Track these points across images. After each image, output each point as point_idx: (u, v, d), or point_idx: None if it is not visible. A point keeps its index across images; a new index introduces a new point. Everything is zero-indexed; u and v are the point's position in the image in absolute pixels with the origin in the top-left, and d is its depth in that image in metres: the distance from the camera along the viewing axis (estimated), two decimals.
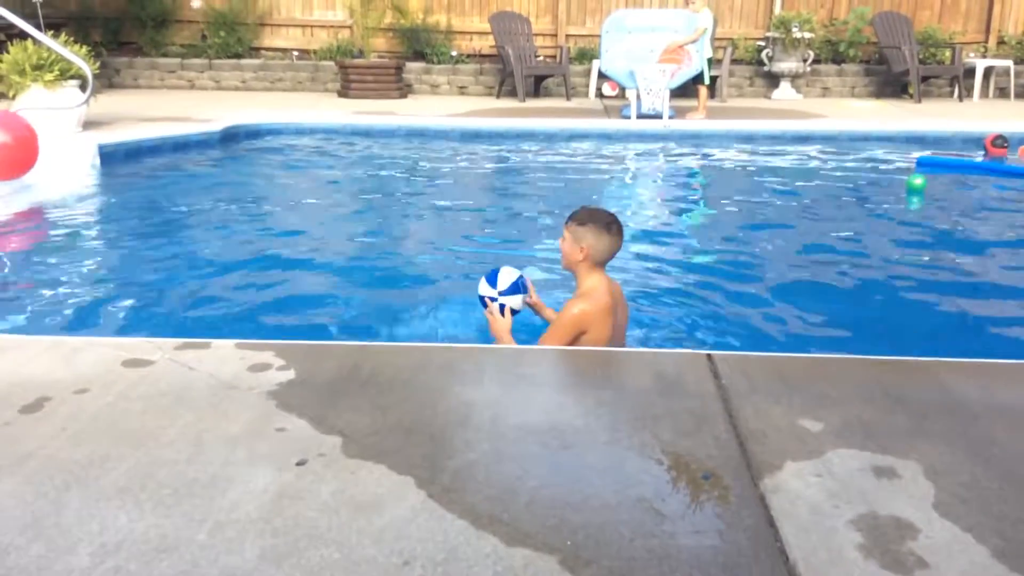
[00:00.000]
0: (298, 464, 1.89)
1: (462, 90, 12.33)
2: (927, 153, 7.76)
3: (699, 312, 3.86)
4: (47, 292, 4.03)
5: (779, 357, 2.66)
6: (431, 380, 2.36)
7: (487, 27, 12.02)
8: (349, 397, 2.23)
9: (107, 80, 11.44)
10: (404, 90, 11.65)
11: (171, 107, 9.62)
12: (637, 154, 8.65)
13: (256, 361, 2.44)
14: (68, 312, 3.76)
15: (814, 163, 8.14)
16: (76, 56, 7.14)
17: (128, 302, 3.92)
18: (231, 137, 8.40)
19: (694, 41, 9.48)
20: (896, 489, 1.83)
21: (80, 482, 1.81)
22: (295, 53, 12.56)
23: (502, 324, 2.92)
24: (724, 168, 8.14)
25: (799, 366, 2.55)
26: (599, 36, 10.12)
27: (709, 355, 2.55)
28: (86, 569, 1.53)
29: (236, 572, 1.54)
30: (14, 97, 7.50)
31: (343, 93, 11.43)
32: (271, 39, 12.64)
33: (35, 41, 7.31)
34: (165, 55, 12.23)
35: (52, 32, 7.88)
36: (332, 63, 12.03)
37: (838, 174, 7.65)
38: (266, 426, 2.07)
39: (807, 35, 11.69)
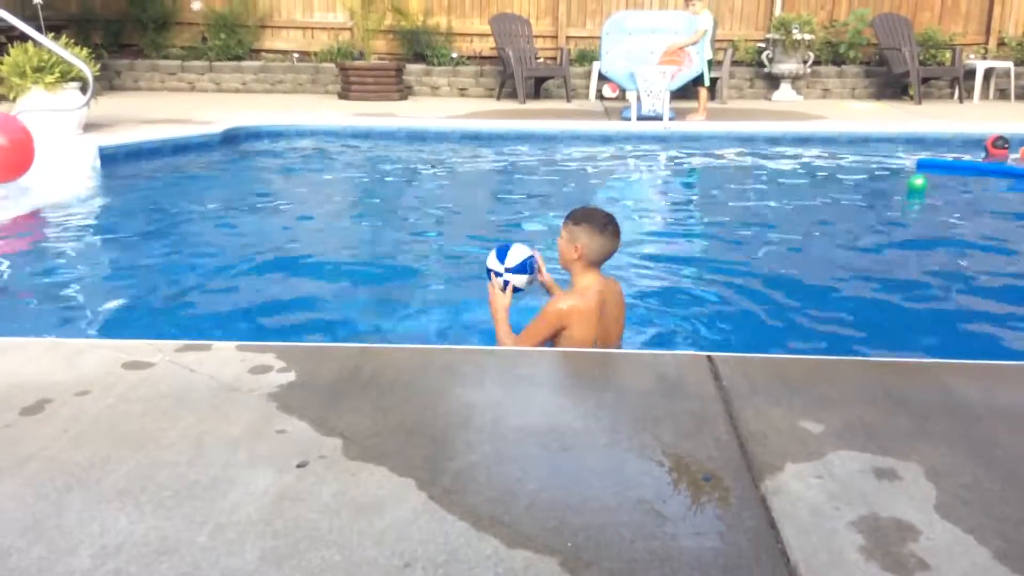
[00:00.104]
0: (299, 466, 1.89)
1: (462, 92, 12.34)
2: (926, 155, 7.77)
3: (699, 313, 3.86)
4: (48, 293, 4.03)
5: (780, 358, 2.66)
6: (432, 382, 2.36)
7: (487, 29, 12.03)
8: (350, 399, 2.23)
9: (108, 82, 11.46)
10: (404, 92, 11.66)
11: (171, 109, 9.62)
12: (637, 156, 8.65)
13: (257, 363, 2.44)
14: (69, 314, 3.76)
15: (814, 164, 8.14)
16: (77, 58, 7.15)
17: (129, 304, 3.92)
18: (231, 139, 8.41)
19: (694, 43, 9.48)
20: (897, 491, 1.83)
21: (81, 484, 1.81)
22: (295, 55, 12.57)
23: (500, 301, 2.93)
24: (724, 170, 8.14)
25: (800, 367, 2.55)
26: (599, 38, 10.12)
27: (710, 356, 2.55)
28: (87, 571, 1.53)
29: (237, 574, 1.54)
30: (15, 99, 7.51)
31: (343, 95, 11.44)
32: (271, 41, 12.65)
33: (36, 43, 7.31)
34: (166, 57, 12.24)
35: (53, 34, 7.88)
36: (332, 65, 12.04)
37: (839, 175, 7.65)
38: (267, 428, 2.06)
39: (807, 37, 11.70)
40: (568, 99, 11.77)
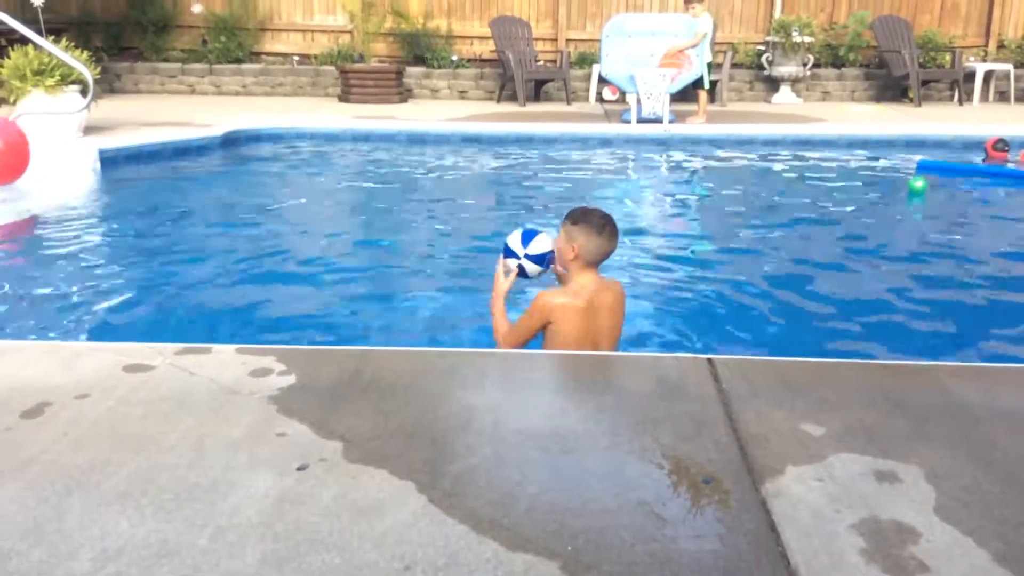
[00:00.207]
0: (299, 469, 1.89)
1: (462, 95, 12.35)
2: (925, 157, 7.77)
3: (700, 316, 3.86)
4: (48, 296, 4.03)
5: (780, 361, 2.66)
6: (432, 385, 2.37)
7: (487, 32, 12.04)
8: (350, 402, 2.23)
9: (108, 85, 11.46)
10: (404, 95, 11.66)
11: (172, 112, 9.63)
12: (637, 158, 8.66)
13: (257, 366, 2.44)
14: (69, 317, 3.76)
15: (815, 167, 8.14)
16: (77, 61, 7.15)
17: (129, 307, 3.92)
18: (232, 142, 8.41)
19: (694, 45, 9.49)
20: (897, 493, 1.83)
21: (81, 487, 1.81)
22: (296, 58, 12.58)
23: (502, 285, 2.97)
24: (724, 172, 8.14)
25: (800, 370, 2.55)
26: (599, 40, 10.13)
27: (710, 359, 2.55)
28: (87, 574, 1.53)
29: None
30: (15, 102, 7.51)
31: (344, 98, 11.44)
32: (272, 44, 12.66)
33: (36, 46, 7.31)
34: (166, 60, 12.25)
35: (53, 37, 7.89)
36: (333, 68, 12.04)
37: (839, 178, 7.65)
38: (267, 431, 2.07)
39: (807, 39, 11.70)
40: (568, 102, 11.77)
